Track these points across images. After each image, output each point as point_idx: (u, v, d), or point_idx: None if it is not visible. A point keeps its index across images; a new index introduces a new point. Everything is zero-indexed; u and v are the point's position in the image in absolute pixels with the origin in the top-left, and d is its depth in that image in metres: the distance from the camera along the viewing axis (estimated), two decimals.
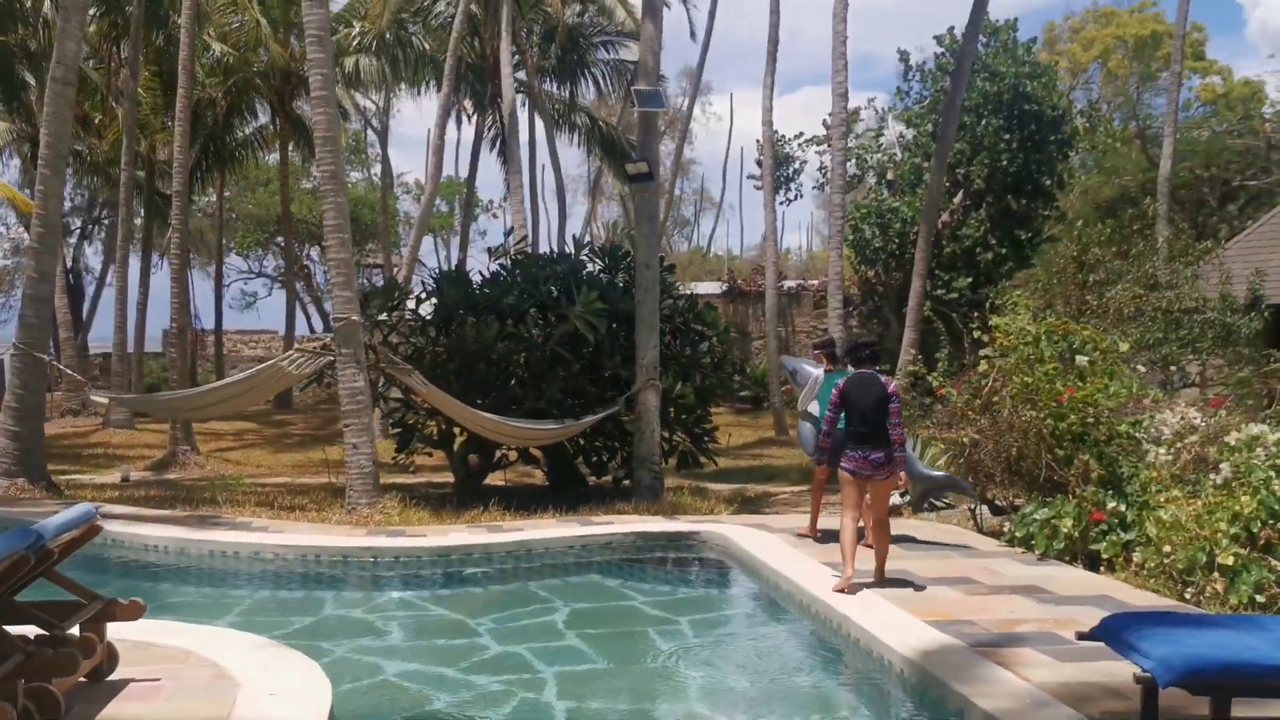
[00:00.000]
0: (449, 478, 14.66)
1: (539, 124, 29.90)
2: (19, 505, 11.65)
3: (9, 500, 12.05)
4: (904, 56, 28.26)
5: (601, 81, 29.82)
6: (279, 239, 40.91)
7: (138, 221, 25.93)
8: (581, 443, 14.00)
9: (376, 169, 40.88)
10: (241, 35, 25.14)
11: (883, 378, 7.89)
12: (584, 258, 14.54)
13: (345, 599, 8.88)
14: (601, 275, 14.33)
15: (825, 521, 10.02)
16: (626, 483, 13.75)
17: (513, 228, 19.80)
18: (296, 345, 11.79)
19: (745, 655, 7.09)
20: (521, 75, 26.69)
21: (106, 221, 34.31)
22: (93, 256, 37.34)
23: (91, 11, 25.64)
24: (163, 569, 9.52)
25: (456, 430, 13.79)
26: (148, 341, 24.85)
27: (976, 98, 24.37)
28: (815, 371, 10.50)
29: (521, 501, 12.26)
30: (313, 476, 16.27)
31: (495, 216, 49.51)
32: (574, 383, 13.27)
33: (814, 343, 11.04)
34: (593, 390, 13.42)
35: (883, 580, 7.80)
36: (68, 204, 31.44)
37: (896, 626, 6.52)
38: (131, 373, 22.08)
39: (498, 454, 14.30)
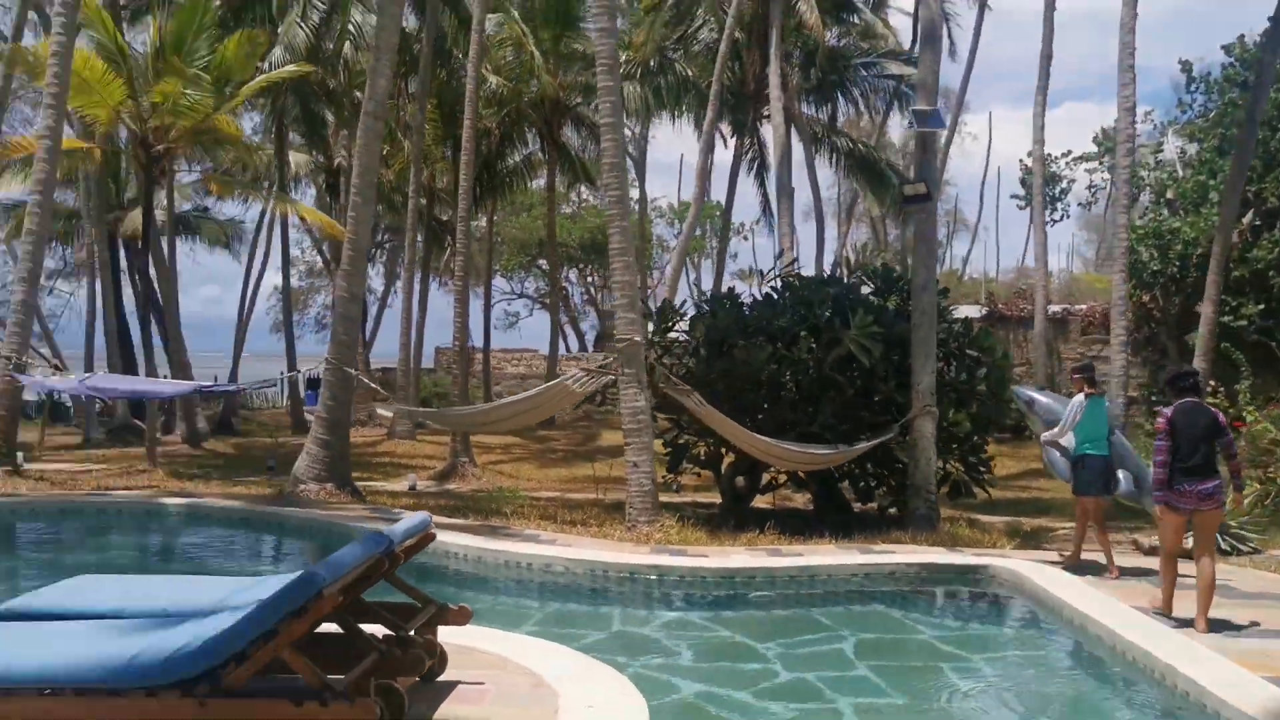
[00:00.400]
0: (713, 498, 14.79)
1: (795, 146, 29.88)
2: (329, 509, 12.58)
3: (320, 503, 13.04)
4: (1186, 67, 26.55)
5: (860, 102, 29.53)
6: (540, 262, 42.68)
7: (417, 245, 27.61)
8: (848, 468, 13.81)
9: (631, 193, 41.89)
10: (515, 68, 26.40)
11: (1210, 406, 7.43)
12: (856, 280, 14.38)
13: (632, 616, 9.07)
14: (873, 298, 14.12)
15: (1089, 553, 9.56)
16: (892, 510, 13.48)
17: (782, 250, 19.85)
18: (580, 365, 12.19)
19: (1056, 701, 6.75)
20: (780, 97, 26.72)
21: (388, 245, 36.72)
22: (374, 278, 39.99)
23: None
24: (461, 576, 10.02)
25: (724, 451, 13.92)
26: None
27: (1270, 109, 22.50)
28: (1053, 402, 10.05)
29: (787, 525, 12.18)
30: (580, 492, 16.77)
31: (745, 239, 49.72)
32: (846, 407, 13.11)
33: (1073, 367, 10.51)
34: (865, 415, 13.22)
35: (1205, 626, 7.27)
36: None
37: (1233, 681, 6.03)
38: (411, 386, 23.50)
39: (765, 477, 14.31)
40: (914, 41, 32.53)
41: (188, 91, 17.03)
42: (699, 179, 22.16)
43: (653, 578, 9.55)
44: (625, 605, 9.34)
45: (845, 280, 14.22)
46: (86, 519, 12.97)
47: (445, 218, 30.30)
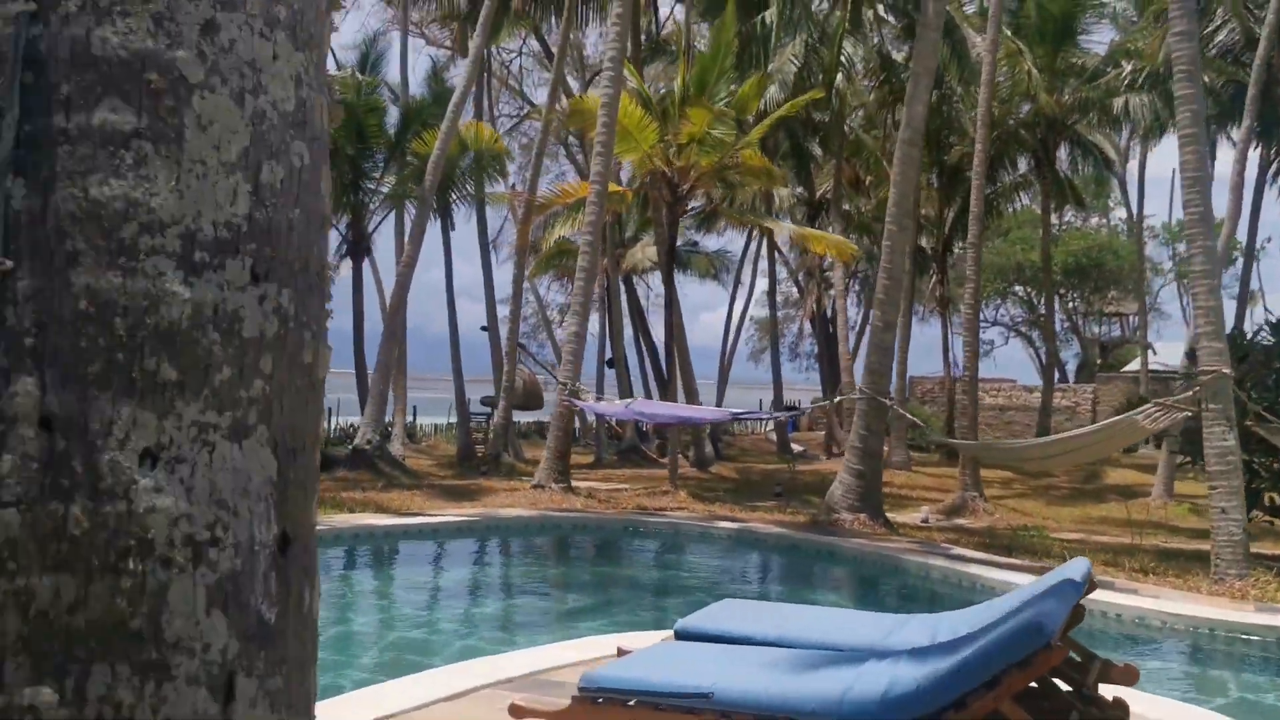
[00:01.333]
0: (1275, 549, 13.19)
1: None
2: (874, 540, 12.53)
3: (859, 533, 13.04)
4: None
5: None
6: (1015, 287, 40.89)
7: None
8: None
9: (1116, 213, 39.11)
10: (1007, 87, 25.39)
11: None
12: None
13: (1251, 682, 8.09)
14: None
15: None
16: None
17: None
18: (1156, 401, 11.24)
19: None
20: None
21: (860, 274, 36.80)
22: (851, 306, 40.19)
23: (867, 82, 27.77)
24: None
25: None
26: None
27: None
28: None
29: None
30: (1103, 534, 15.57)
31: (1256, 260, 44.48)
32: None
33: None
34: None
35: None
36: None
37: None
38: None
39: None
40: None
41: (712, 131, 17.92)
42: (1233, 192, 20.01)
43: (1271, 640, 8.47)
44: (1238, 669, 8.36)
45: None
46: (646, 537, 13.84)
47: (927, 246, 29.80)
